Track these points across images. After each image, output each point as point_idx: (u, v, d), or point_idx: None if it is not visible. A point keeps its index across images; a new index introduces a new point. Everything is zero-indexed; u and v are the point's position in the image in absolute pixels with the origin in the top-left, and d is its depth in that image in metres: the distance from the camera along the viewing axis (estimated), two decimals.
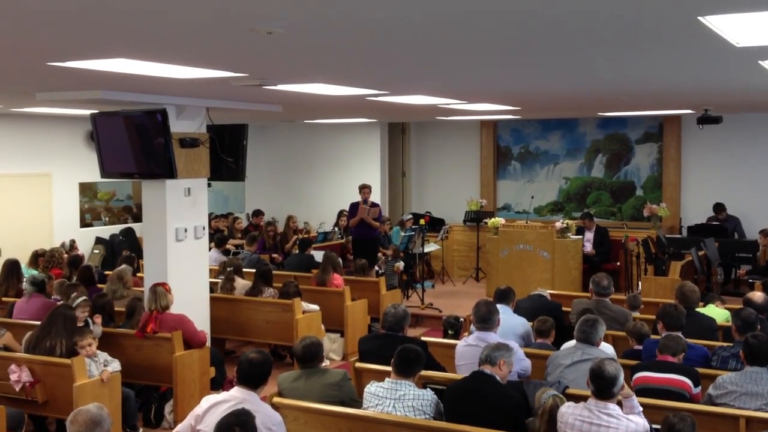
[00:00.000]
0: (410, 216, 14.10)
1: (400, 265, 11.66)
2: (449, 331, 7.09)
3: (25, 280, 8.78)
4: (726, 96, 8.74)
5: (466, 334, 6.71)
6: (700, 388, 5.32)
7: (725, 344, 6.21)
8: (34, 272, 9.11)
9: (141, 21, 3.77)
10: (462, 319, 7.27)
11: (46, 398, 6.32)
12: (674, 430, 4.26)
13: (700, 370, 5.58)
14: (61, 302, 7.09)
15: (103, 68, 5.36)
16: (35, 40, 4.35)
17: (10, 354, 6.56)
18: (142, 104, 7.52)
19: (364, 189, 12.40)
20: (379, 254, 12.05)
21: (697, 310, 6.93)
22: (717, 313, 7.26)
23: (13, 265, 8.84)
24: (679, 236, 12.97)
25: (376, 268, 11.51)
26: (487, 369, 4.98)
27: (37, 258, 9.95)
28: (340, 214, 14.26)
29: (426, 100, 8.87)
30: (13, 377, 6.25)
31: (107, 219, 14.02)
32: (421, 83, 7.13)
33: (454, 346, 6.22)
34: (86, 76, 5.90)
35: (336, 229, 14.02)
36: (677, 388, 5.24)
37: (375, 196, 14.73)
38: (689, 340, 5.99)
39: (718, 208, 13.13)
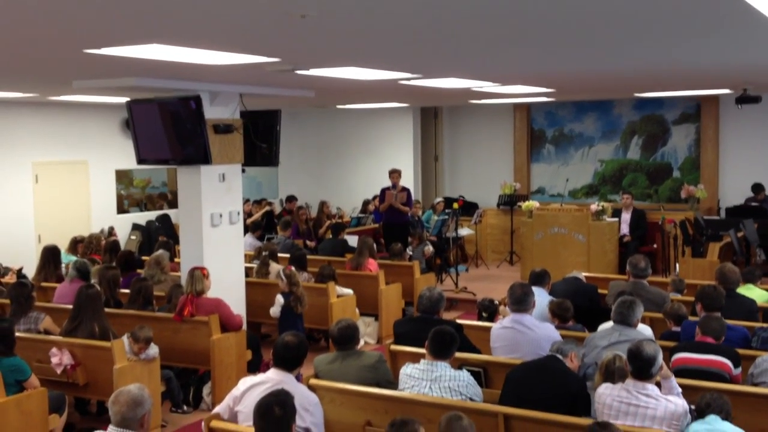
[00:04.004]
0: (441, 199, 14.09)
1: (429, 248, 11.66)
2: (483, 314, 7.07)
3: (63, 266, 8.92)
4: (766, 75, 8.56)
5: (501, 317, 6.69)
6: (740, 369, 5.26)
7: (765, 325, 6.12)
8: (74, 258, 9.24)
9: (175, 6, 3.79)
10: (497, 302, 7.24)
11: (86, 380, 6.43)
12: (711, 408, 4.23)
13: (740, 351, 5.51)
14: (82, 284, 7.18)
15: (138, 55, 5.41)
16: (72, 28, 4.40)
17: (51, 337, 6.67)
18: (176, 91, 7.58)
19: (394, 174, 12.49)
20: (409, 240, 12.03)
21: (738, 291, 6.83)
22: (757, 294, 7.14)
23: (51, 252, 8.96)
24: (717, 218, 12.77)
25: (409, 251, 11.50)
26: (559, 356, 4.97)
27: (76, 244, 10.09)
28: (366, 203, 14.39)
29: (459, 84, 8.81)
30: (54, 360, 6.36)
31: (144, 206, 14.19)
32: (455, 65, 7.09)
33: (489, 329, 6.21)
34: (121, 64, 5.96)
35: (365, 214, 14.12)
36: (717, 369, 5.18)
37: (408, 181, 14.76)
38: (729, 321, 5.92)
39: (757, 188, 12.90)
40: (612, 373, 4.62)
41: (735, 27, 4.83)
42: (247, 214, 12.73)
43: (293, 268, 8.04)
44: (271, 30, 4.60)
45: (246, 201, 13.90)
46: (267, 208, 13.89)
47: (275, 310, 7.89)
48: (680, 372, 5.09)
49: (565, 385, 4.80)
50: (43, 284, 8.66)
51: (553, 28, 4.83)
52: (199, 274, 7.24)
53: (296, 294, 7.80)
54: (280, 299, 7.81)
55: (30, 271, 9.50)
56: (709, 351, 5.26)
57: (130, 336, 6.41)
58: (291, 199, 14.37)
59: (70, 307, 6.86)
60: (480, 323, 6.79)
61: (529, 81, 9.20)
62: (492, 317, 6.95)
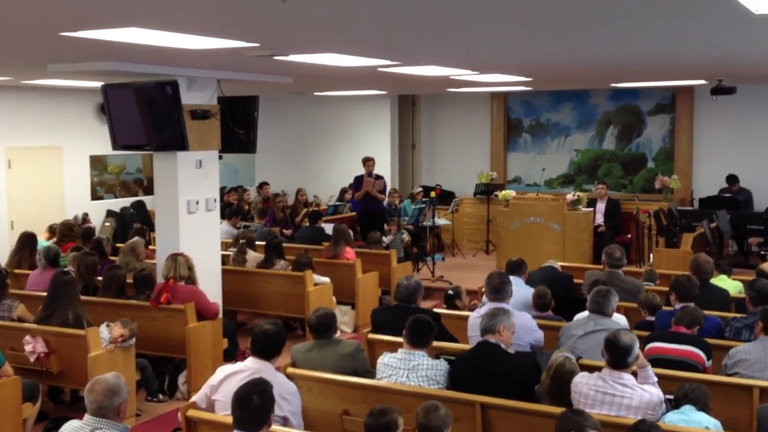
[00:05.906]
0: (420, 189, 14.08)
1: (405, 237, 11.67)
2: (451, 301, 7.05)
3: (38, 253, 8.82)
4: (742, 66, 8.63)
5: (477, 302, 6.68)
6: (711, 361, 5.31)
7: (739, 315, 6.20)
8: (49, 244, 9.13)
9: None
10: (460, 289, 7.20)
11: (61, 369, 6.37)
12: (688, 398, 4.28)
13: (714, 341, 5.58)
14: (57, 270, 7.12)
15: (115, 38, 5.33)
16: (48, 10, 4.33)
17: (25, 325, 6.59)
18: (153, 76, 7.49)
19: (368, 162, 12.44)
20: (386, 227, 12.00)
21: (711, 281, 6.91)
22: (729, 284, 7.23)
23: (27, 239, 8.85)
24: (691, 208, 12.91)
25: (385, 240, 11.48)
26: (491, 338, 5.00)
27: (53, 232, 9.96)
28: (343, 191, 14.32)
29: (438, 71, 8.79)
30: (28, 348, 6.29)
31: (118, 192, 14.04)
32: (434, 53, 7.06)
33: (466, 318, 6.23)
34: (98, 47, 5.87)
35: (342, 202, 14.08)
36: (690, 360, 5.23)
37: (385, 169, 14.74)
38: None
39: (732, 179, 13.03)
40: (561, 377, 4.63)
41: (710, 15, 4.85)
42: (226, 204, 12.62)
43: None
44: (251, 15, 4.55)
45: (228, 191, 13.79)
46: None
47: None
48: (653, 361, 5.12)
49: (504, 376, 4.83)
50: (17, 271, 8.55)
51: (532, 16, 4.83)
52: (181, 260, 7.24)
53: None
54: None
55: (2, 258, 9.38)
56: (682, 341, 5.32)
57: (118, 322, 6.34)
58: (263, 185, 14.26)
59: (44, 294, 6.78)
60: (457, 312, 6.80)
61: (507, 69, 9.21)
62: (452, 301, 6.95)
